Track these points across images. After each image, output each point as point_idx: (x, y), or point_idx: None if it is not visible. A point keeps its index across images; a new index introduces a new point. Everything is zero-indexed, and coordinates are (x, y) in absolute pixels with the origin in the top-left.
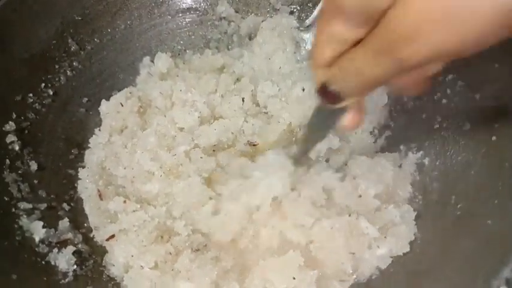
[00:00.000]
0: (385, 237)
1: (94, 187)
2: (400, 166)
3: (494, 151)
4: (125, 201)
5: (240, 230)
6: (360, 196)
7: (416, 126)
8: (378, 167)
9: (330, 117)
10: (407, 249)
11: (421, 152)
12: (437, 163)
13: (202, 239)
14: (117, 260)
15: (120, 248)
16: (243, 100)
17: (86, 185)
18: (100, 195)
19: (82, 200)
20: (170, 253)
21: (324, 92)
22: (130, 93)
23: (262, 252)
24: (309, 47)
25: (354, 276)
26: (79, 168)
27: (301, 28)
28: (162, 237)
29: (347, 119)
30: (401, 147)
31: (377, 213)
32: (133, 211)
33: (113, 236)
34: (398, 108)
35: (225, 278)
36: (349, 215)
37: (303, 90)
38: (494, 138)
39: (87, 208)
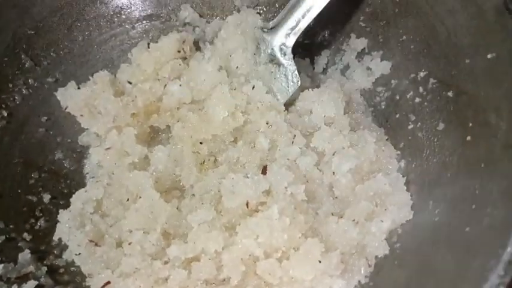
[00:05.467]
0: (385, 209)
1: (83, 235)
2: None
3: (470, 152)
4: (120, 246)
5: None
6: (334, 173)
7: (390, 126)
8: (361, 140)
9: None
10: (411, 216)
11: (397, 153)
12: (413, 165)
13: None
14: None
15: None
16: None
17: (72, 231)
18: (95, 243)
19: (45, 228)
20: None
21: None
22: None
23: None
24: (269, 50)
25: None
26: (60, 210)
27: (264, 29)
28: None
29: None
30: None
31: (366, 183)
32: (130, 255)
33: (108, 283)
34: (371, 109)
35: None
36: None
37: (253, 88)
38: (469, 138)
39: (79, 258)
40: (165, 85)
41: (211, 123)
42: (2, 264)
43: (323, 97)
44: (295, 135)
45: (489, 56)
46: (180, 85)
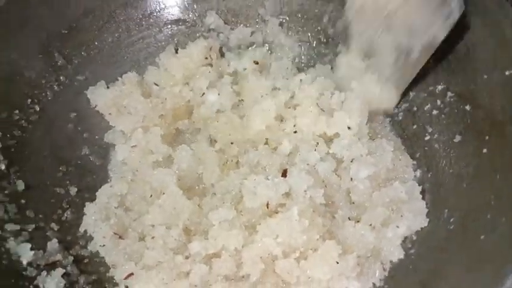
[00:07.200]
0: (401, 216)
1: (108, 228)
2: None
3: (486, 164)
4: (143, 240)
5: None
6: (352, 179)
7: (407, 136)
8: (378, 148)
9: None
10: (426, 223)
11: (413, 163)
12: (429, 175)
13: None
14: None
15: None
16: None
17: (97, 223)
18: (119, 236)
19: (72, 220)
20: (196, 286)
21: None
22: None
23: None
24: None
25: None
26: (86, 203)
27: None
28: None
29: None
30: None
31: (383, 190)
32: (152, 248)
33: (131, 274)
34: (388, 119)
35: None
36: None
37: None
38: (485, 150)
39: (104, 250)
40: (203, 94)
41: (247, 129)
42: (33, 251)
43: (351, 105)
44: (317, 143)
45: (507, 73)
46: (219, 94)
